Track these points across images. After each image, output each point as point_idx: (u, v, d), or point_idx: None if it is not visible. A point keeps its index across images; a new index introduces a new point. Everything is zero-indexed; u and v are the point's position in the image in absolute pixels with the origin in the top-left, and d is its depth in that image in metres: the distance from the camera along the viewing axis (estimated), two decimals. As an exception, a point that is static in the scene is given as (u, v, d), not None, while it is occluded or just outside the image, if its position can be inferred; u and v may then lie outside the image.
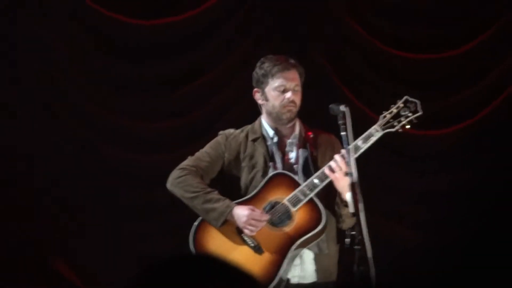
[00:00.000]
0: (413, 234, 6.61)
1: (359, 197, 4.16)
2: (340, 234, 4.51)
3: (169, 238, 6.29)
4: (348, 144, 4.22)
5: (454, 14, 6.67)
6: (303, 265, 4.45)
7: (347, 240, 4.30)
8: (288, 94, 4.46)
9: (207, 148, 4.62)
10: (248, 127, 4.65)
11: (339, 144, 4.43)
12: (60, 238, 6.35)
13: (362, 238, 4.07)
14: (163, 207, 6.39)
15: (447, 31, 6.67)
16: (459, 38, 6.68)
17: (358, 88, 6.60)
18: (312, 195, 4.39)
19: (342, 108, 4.27)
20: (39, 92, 6.36)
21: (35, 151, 6.33)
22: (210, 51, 6.51)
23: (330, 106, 4.37)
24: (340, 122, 4.27)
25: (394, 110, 4.48)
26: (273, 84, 4.49)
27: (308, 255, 4.45)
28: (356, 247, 4.11)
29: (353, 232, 4.16)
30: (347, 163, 4.24)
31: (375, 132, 4.43)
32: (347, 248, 4.20)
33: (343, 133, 4.24)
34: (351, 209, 4.14)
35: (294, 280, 4.46)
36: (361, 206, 4.13)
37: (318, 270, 4.44)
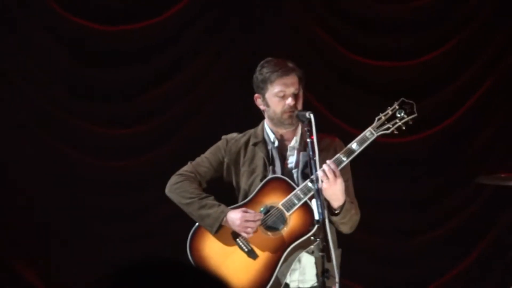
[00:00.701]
0: (381, 242, 6.64)
1: (324, 203, 4.18)
2: (340, 239, 4.50)
3: (135, 243, 6.28)
4: (313, 151, 4.22)
5: (422, 23, 6.72)
6: (303, 270, 4.43)
7: (311, 247, 4.31)
8: (289, 100, 4.43)
9: (207, 153, 4.61)
10: (251, 131, 4.61)
11: (342, 146, 4.45)
12: (26, 243, 6.30)
13: (327, 245, 4.08)
14: (130, 212, 6.38)
15: (415, 40, 6.72)
16: (425, 47, 6.73)
17: (326, 97, 6.62)
18: (306, 199, 4.36)
19: (308, 115, 4.31)
20: (3, 99, 6.31)
21: (0, 158, 6.28)
22: (173, 58, 6.49)
23: (297, 112, 4.41)
24: (306, 128, 4.30)
25: (389, 112, 4.47)
26: (273, 90, 4.45)
27: (308, 259, 4.41)
28: (320, 253, 4.12)
29: (318, 239, 4.17)
30: (335, 172, 4.25)
31: (370, 135, 4.42)
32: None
33: (308, 140, 4.25)
34: (316, 215, 4.15)
35: (293, 285, 4.44)
36: (326, 213, 4.15)
37: (318, 275, 4.41)
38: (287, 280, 4.43)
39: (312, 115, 4.30)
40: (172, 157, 6.25)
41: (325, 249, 4.08)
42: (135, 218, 6.40)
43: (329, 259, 4.09)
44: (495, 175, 5.69)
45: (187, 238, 4.55)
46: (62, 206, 6.36)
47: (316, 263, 4.41)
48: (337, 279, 4.30)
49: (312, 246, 4.36)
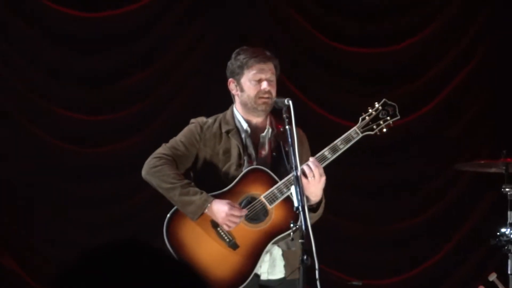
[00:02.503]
0: (356, 227, 6.65)
1: (304, 191, 4.18)
2: (327, 222, 4.53)
3: (112, 228, 6.26)
4: (292, 138, 4.22)
5: (400, 9, 6.74)
6: (273, 262, 4.43)
7: (292, 234, 4.31)
8: (264, 85, 4.43)
9: (181, 137, 4.55)
10: (220, 116, 4.58)
11: (305, 137, 4.51)
12: (5, 230, 6.28)
13: (307, 232, 4.08)
14: (109, 198, 6.37)
15: (392, 26, 6.73)
16: (403, 33, 6.74)
17: (303, 83, 6.62)
18: (288, 193, 4.35)
19: (287, 101, 4.30)
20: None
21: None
22: (149, 45, 6.48)
23: (275, 99, 4.41)
24: (285, 115, 4.30)
25: (373, 112, 4.52)
26: (249, 75, 4.46)
27: (277, 251, 4.42)
28: (300, 240, 4.12)
29: (297, 226, 4.17)
30: (320, 170, 4.28)
31: (355, 135, 4.47)
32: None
33: (287, 127, 4.26)
34: (295, 203, 4.14)
35: (263, 276, 4.44)
36: (305, 199, 4.15)
37: (286, 266, 4.43)
38: (258, 272, 4.42)
39: (290, 102, 4.29)
40: (150, 143, 6.24)
41: (304, 236, 4.08)
42: (113, 203, 6.39)
43: (309, 246, 4.09)
44: (473, 162, 5.71)
45: (158, 221, 4.51)
46: (41, 192, 6.34)
47: (283, 255, 4.43)
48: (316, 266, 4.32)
49: (292, 234, 4.35)
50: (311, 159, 4.33)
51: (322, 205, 4.42)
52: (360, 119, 4.50)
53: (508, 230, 5.20)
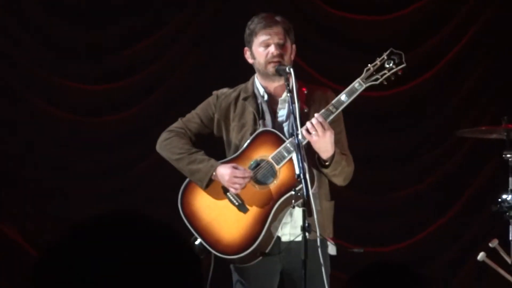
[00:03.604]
0: (357, 195, 6.65)
1: (305, 157, 4.18)
2: (334, 191, 4.50)
3: (116, 200, 6.27)
4: (293, 103, 4.22)
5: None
6: (294, 223, 4.41)
7: (293, 202, 4.30)
8: (272, 49, 4.42)
9: (198, 109, 4.60)
10: (242, 86, 4.59)
11: (334, 98, 4.41)
12: (8, 200, 6.28)
13: (308, 200, 4.08)
14: (109, 169, 6.38)
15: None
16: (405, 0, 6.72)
17: (308, 53, 6.60)
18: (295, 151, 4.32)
19: (288, 69, 4.33)
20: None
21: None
22: (152, 16, 6.46)
23: (277, 67, 4.40)
24: (286, 83, 4.31)
25: (378, 62, 4.44)
26: (257, 41, 4.46)
27: (299, 212, 4.34)
28: (302, 208, 4.12)
29: (299, 193, 4.17)
30: (323, 124, 4.25)
31: (359, 86, 4.39)
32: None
33: (288, 94, 4.26)
34: (297, 170, 4.15)
35: (285, 238, 4.43)
36: (306, 166, 4.15)
37: (301, 228, 4.42)
38: (279, 234, 4.42)
39: (292, 70, 4.30)
40: (154, 113, 6.26)
41: (306, 204, 4.08)
42: (114, 174, 6.39)
43: (310, 214, 4.10)
44: (474, 128, 5.70)
45: (167, 194, 4.52)
46: (43, 164, 6.34)
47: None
48: (328, 232, 4.38)
49: (301, 201, 4.33)
50: (315, 115, 4.31)
51: (338, 159, 4.35)
52: (365, 70, 4.43)
53: (510, 196, 5.19)
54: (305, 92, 4.47)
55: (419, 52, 6.66)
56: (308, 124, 4.28)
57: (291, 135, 4.36)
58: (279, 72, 4.39)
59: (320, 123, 4.26)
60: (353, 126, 6.34)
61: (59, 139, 6.37)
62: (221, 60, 6.39)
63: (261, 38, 4.45)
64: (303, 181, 4.09)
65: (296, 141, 4.20)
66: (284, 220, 4.41)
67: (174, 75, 6.49)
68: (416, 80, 6.67)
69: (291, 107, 4.25)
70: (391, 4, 6.73)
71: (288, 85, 4.29)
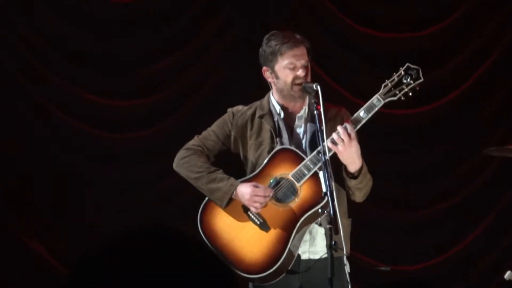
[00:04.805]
0: (383, 212, 6.63)
1: (332, 175, 4.16)
2: (352, 208, 4.47)
3: (133, 215, 6.27)
4: (320, 122, 4.20)
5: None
6: (313, 241, 4.40)
7: (320, 220, 4.28)
8: (299, 72, 4.39)
9: (214, 126, 4.56)
10: (257, 103, 4.56)
11: (349, 116, 4.40)
12: (29, 214, 6.31)
13: (335, 217, 4.06)
14: (132, 185, 6.38)
15: (420, 11, 6.69)
16: (431, 18, 6.70)
17: (333, 69, 6.60)
18: (316, 168, 4.31)
19: (315, 86, 4.30)
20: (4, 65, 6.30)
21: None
22: (177, 30, 6.47)
23: (304, 84, 4.38)
24: (313, 100, 4.29)
25: (395, 78, 4.42)
26: (283, 62, 4.41)
27: (318, 230, 4.36)
28: (328, 226, 4.10)
29: (326, 211, 4.16)
30: (350, 134, 4.24)
31: (377, 102, 4.37)
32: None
33: (315, 112, 4.24)
34: (323, 188, 4.13)
35: (304, 256, 4.40)
36: (333, 184, 4.14)
37: (327, 246, 4.34)
38: (299, 251, 4.40)
39: (319, 87, 4.28)
40: (177, 129, 6.26)
41: (332, 221, 4.06)
42: (137, 190, 6.39)
43: (337, 232, 4.08)
44: (503, 147, 5.66)
45: (190, 210, 4.51)
46: (70, 178, 6.36)
47: (325, 234, 4.36)
48: (346, 250, 4.30)
49: (319, 218, 4.33)
50: (338, 127, 4.29)
51: (365, 170, 4.34)
52: (383, 86, 4.41)
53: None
54: (320, 110, 4.45)
55: (447, 70, 6.64)
56: (334, 135, 4.26)
57: (317, 151, 4.34)
58: (306, 89, 4.37)
59: (347, 132, 4.25)
60: (379, 143, 6.38)
61: (83, 153, 6.38)
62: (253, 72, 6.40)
63: (287, 59, 4.40)
64: (329, 198, 4.07)
65: (323, 159, 4.18)
66: (304, 238, 4.40)
67: (202, 89, 6.49)
68: (444, 98, 6.65)
69: (316, 124, 4.22)
70: (417, 22, 6.71)
71: (315, 102, 4.26)
